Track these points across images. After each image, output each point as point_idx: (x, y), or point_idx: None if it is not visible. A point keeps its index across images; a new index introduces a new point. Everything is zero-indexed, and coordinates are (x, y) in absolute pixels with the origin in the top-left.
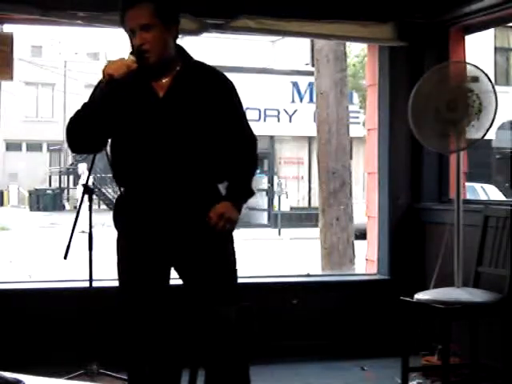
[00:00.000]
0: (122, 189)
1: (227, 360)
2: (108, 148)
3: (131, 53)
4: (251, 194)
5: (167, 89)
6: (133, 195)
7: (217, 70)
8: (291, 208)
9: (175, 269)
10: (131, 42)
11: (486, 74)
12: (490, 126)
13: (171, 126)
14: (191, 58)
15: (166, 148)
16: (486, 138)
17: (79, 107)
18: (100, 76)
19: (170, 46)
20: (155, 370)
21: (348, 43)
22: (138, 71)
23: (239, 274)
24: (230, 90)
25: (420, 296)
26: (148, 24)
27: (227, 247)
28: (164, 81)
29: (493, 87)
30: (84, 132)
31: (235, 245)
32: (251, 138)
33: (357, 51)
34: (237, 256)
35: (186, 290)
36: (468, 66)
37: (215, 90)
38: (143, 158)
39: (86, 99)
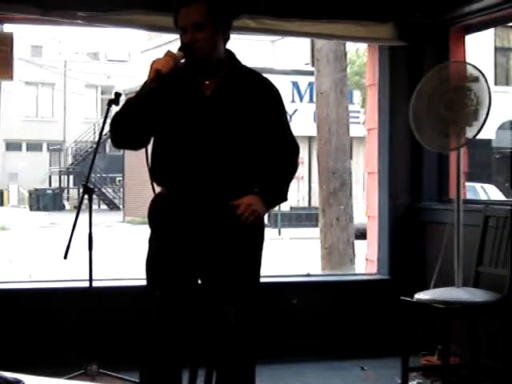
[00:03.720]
0: (160, 188)
1: (227, 360)
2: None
3: (180, 48)
4: (283, 198)
5: (214, 88)
6: (171, 194)
7: (264, 76)
8: (291, 208)
9: (201, 268)
10: (182, 39)
11: (483, 73)
12: (483, 125)
13: (215, 125)
14: (240, 62)
15: (208, 147)
16: (486, 138)
17: (123, 103)
18: (101, 76)
19: (219, 48)
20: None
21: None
22: (186, 69)
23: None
24: (275, 96)
25: (420, 296)
26: (200, 23)
27: (257, 250)
28: (211, 81)
29: (488, 86)
30: (128, 127)
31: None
32: (293, 146)
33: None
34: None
35: (205, 290)
36: (466, 66)
37: (261, 95)
38: (185, 156)
39: (86, 98)
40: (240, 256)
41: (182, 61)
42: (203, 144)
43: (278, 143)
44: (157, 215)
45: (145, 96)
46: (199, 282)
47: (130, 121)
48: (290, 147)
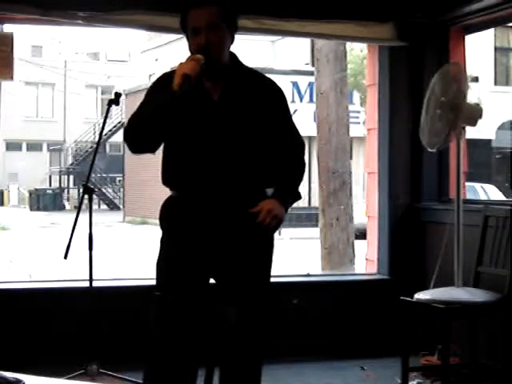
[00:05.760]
0: (172, 191)
1: (230, 360)
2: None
3: (199, 52)
4: (298, 197)
5: (221, 92)
6: (183, 198)
7: (267, 77)
8: (291, 208)
9: (213, 270)
10: (191, 40)
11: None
12: (456, 122)
13: (225, 129)
14: (243, 64)
15: (219, 150)
16: (486, 138)
17: (137, 108)
18: (101, 76)
19: (227, 51)
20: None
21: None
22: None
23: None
24: (279, 96)
25: (420, 296)
26: (216, 24)
27: (268, 252)
28: (217, 85)
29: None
30: (147, 132)
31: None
32: (300, 144)
33: (357, 52)
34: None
35: (212, 291)
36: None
37: (266, 96)
38: (196, 159)
39: (86, 98)
40: (252, 259)
41: (202, 63)
42: (214, 148)
43: (288, 143)
44: (169, 218)
45: (171, 100)
46: (212, 283)
47: (150, 126)
48: (299, 147)
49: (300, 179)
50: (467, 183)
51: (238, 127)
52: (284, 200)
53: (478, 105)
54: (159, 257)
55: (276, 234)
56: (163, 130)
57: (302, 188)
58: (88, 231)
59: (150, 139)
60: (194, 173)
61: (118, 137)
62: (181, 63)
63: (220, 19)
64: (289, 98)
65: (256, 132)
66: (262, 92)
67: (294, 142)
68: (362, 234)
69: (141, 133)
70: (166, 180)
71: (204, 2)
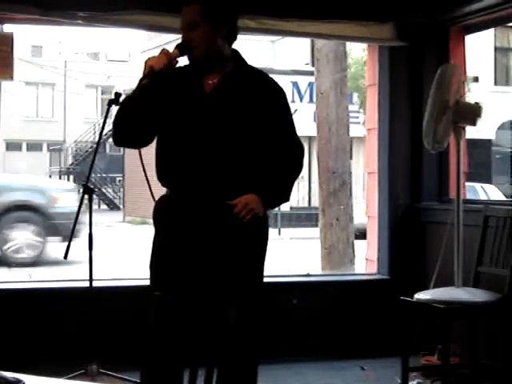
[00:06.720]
0: (164, 187)
1: (229, 360)
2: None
3: (176, 46)
4: (285, 199)
5: (215, 86)
6: (174, 195)
7: (270, 77)
8: (291, 208)
9: (206, 269)
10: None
11: None
12: (455, 122)
13: (216, 124)
14: (245, 61)
15: (207, 145)
16: (486, 137)
17: (121, 101)
18: (101, 76)
19: (218, 45)
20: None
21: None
22: (189, 68)
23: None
24: (280, 96)
25: (420, 296)
26: (194, 22)
27: (261, 251)
28: (213, 79)
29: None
30: (126, 125)
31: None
32: (299, 148)
33: (356, 53)
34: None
35: (208, 290)
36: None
37: (265, 94)
38: (185, 155)
39: (86, 98)
40: (243, 257)
41: (176, 58)
42: (203, 142)
43: (285, 145)
44: (161, 217)
45: (139, 92)
46: (203, 282)
47: (128, 118)
48: (297, 149)
49: (291, 181)
50: (467, 183)
51: (228, 122)
52: (266, 197)
53: (477, 104)
54: (152, 256)
55: (276, 234)
56: (139, 122)
57: (302, 188)
58: (88, 231)
59: (127, 131)
60: (182, 168)
61: None
62: (152, 56)
63: (201, 16)
64: (289, 98)
65: (248, 129)
66: (261, 91)
67: (291, 144)
68: (361, 234)
69: (119, 124)
70: (160, 176)
71: (187, 2)
